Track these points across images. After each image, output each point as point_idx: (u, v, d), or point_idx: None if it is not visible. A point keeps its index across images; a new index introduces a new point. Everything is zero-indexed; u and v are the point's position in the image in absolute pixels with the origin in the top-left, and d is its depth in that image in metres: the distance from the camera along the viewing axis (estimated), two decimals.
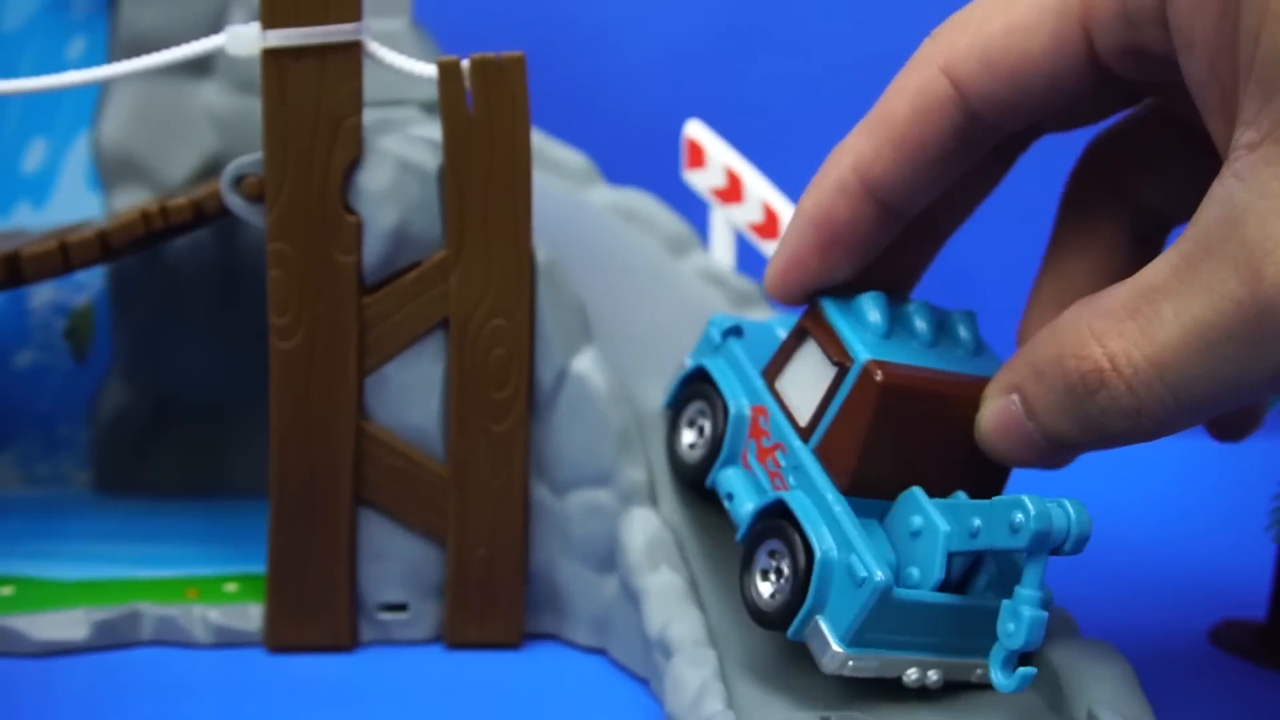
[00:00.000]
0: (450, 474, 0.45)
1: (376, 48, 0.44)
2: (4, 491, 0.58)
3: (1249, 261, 0.30)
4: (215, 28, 0.55)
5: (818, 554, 0.37)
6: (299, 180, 0.43)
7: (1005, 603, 0.36)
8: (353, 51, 0.43)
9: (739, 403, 0.41)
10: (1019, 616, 0.35)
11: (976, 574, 0.39)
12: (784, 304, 0.41)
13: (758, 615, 0.39)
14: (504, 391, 0.45)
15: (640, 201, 0.57)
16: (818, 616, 0.37)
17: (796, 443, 0.39)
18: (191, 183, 0.57)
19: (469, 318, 0.44)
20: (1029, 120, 0.38)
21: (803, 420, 0.39)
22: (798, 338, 0.40)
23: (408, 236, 0.44)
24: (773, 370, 0.41)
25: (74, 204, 0.57)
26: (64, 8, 0.56)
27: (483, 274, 0.44)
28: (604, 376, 0.45)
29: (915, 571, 0.37)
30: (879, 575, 0.36)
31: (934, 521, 0.37)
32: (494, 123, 0.43)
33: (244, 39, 0.43)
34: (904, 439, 0.38)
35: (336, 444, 0.45)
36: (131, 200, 0.57)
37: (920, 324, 0.40)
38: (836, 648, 0.37)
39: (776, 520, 0.39)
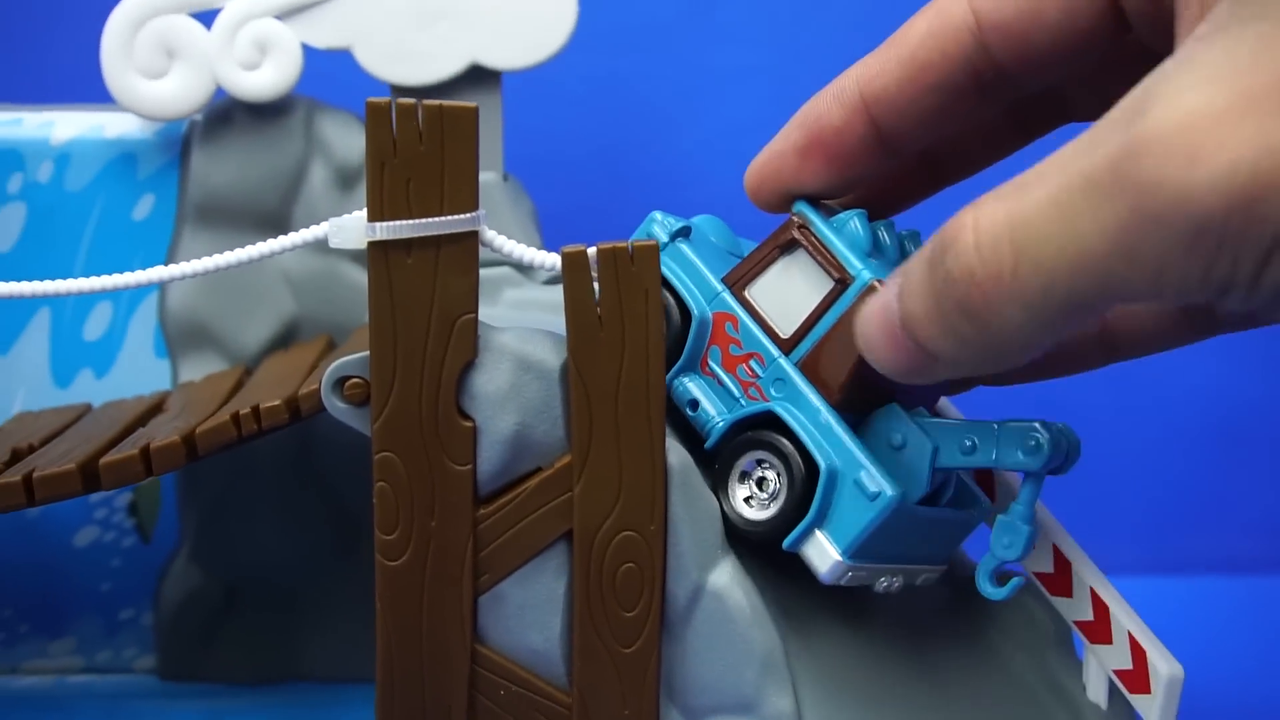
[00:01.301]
0: (574, 702, 0.41)
1: (494, 236, 0.40)
2: (63, 678, 0.55)
3: (1141, 110, 0.28)
4: (292, 186, 0.52)
5: (823, 467, 0.38)
6: (409, 383, 0.39)
7: (1001, 518, 0.39)
8: (469, 243, 0.39)
9: (700, 306, 0.41)
10: (1017, 531, 0.38)
11: (944, 490, 0.41)
12: (758, 203, 0.41)
13: (744, 528, 0.40)
14: (634, 610, 0.40)
15: None
16: (817, 529, 0.38)
17: (777, 354, 0.40)
18: (266, 350, 0.53)
19: (596, 530, 0.40)
20: (1043, 69, 0.36)
21: (784, 332, 0.40)
22: (781, 249, 0.40)
23: (528, 442, 0.40)
24: (741, 278, 0.41)
25: (139, 372, 0.54)
26: (131, 165, 0.53)
27: (611, 482, 0.40)
28: (744, 592, 0.41)
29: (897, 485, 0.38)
30: (889, 490, 0.37)
31: (921, 438, 0.39)
32: (624, 317, 0.39)
33: (349, 232, 0.39)
34: None
35: (449, 670, 0.41)
36: (201, 369, 0.53)
37: (888, 242, 0.40)
38: (839, 559, 0.38)
39: (764, 432, 0.39)
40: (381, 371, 0.39)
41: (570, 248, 0.39)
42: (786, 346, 0.40)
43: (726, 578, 0.41)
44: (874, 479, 0.38)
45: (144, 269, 0.52)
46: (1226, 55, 0.28)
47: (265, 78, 0.51)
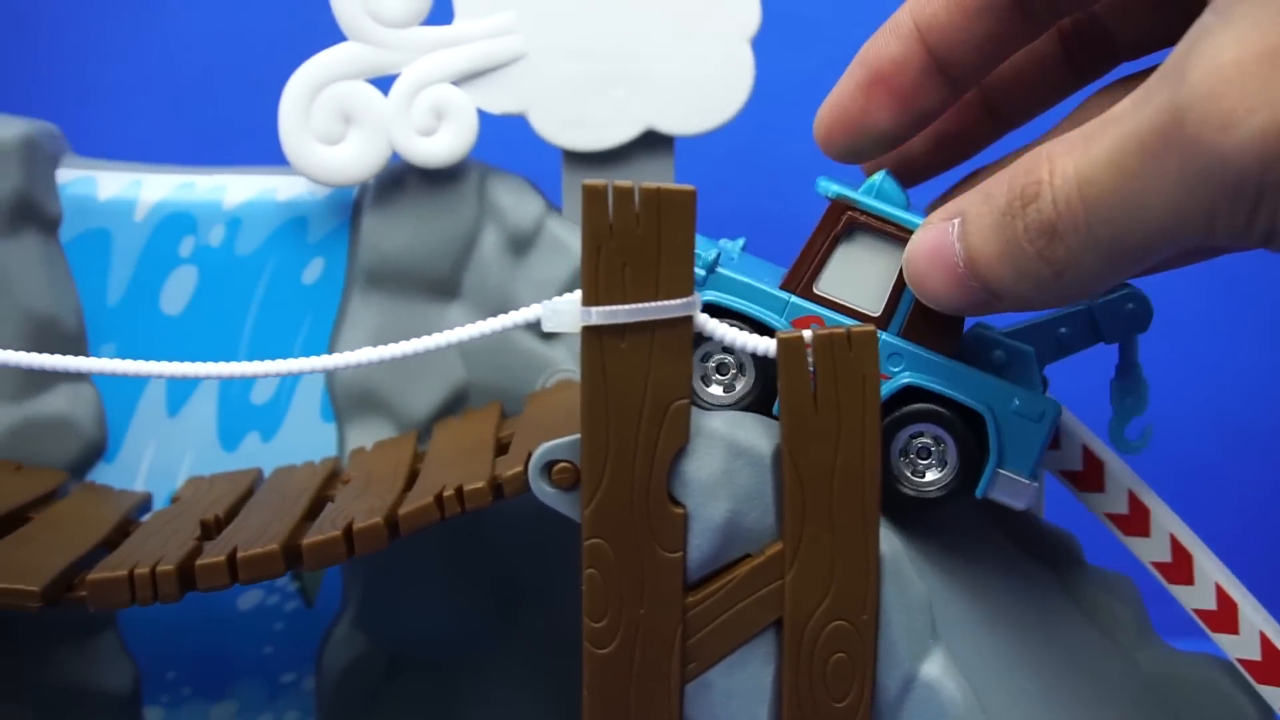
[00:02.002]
0: None
1: (705, 320, 0.39)
2: None
3: (1183, 72, 0.31)
4: (463, 251, 0.51)
5: (985, 412, 0.40)
6: (620, 469, 0.39)
7: (1117, 383, 0.44)
8: (683, 328, 0.38)
9: (777, 321, 0.41)
10: (1139, 385, 0.44)
11: None
12: (829, 151, 0.42)
13: (922, 494, 0.41)
14: (844, 701, 0.39)
15: None
16: (999, 468, 0.40)
17: (880, 335, 0.40)
18: (435, 416, 0.53)
19: (807, 619, 0.39)
20: None
21: (875, 310, 0.40)
22: (838, 237, 0.40)
23: (738, 529, 0.39)
24: (802, 278, 0.41)
25: (305, 436, 0.53)
26: (302, 229, 0.52)
27: (823, 571, 0.39)
28: (957, 684, 0.40)
29: None
30: (1051, 406, 0.40)
31: (1019, 346, 0.41)
32: (840, 403, 0.38)
33: (564, 316, 0.38)
34: None
35: None
36: (368, 434, 0.53)
37: (905, 198, 0.41)
38: (1029, 483, 0.40)
39: (908, 406, 0.40)
40: (593, 457, 0.39)
41: (786, 333, 0.39)
42: (882, 322, 0.40)
43: (939, 669, 0.40)
44: (1031, 401, 0.40)
45: (312, 332, 0.52)
46: (1258, 10, 0.30)
47: (441, 143, 0.50)
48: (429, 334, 0.51)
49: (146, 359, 0.51)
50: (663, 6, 0.49)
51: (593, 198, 0.37)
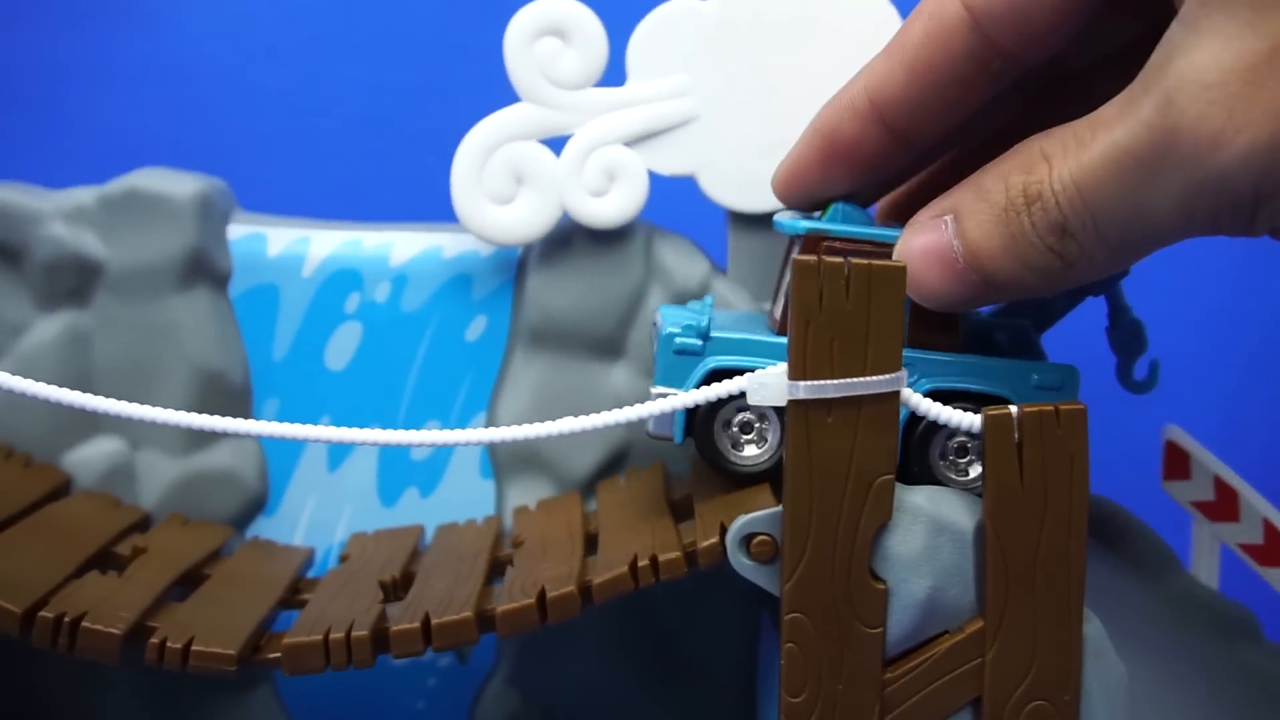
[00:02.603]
0: None
1: (910, 394, 0.39)
2: None
3: (1167, 91, 0.32)
4: (629, 311, 0.51)
5: (1012, 397, 0.40)
6: (823, 544, 0.38)
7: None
8: (890, 403, 0.38)
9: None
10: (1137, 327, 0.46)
11: None
12: (785, 204, 0.43)
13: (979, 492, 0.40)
14: None
15: (1106, 508, 0.52)
16: None
17: None
18: (595, 475, 0.52)
19: (1007, 698, 0.39)
20: (1043, 44, 0.38)
21: None
22: None
23: (939, 605, 0.39)
24: None
25: (464, 492, 0.53)
26: (466, 286, 0.53)
27: (1025, 650, 0.39)
28: None
29: None
30: (1071, 374, 0.41)
31: (1017, 322, 0.44)
32: (1048, 482, 0.38)
33: (770, 390, 0.38)
34: None
35: None
36: (527, 491, 0.53)
37: (869, 218, 0.42)
38: None
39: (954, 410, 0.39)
40: (796, 531, 0.38)
41: (993, 409, 0.38)
42: None
43: None
44: (1049, 372, 0.41)
45: (473, 390, 0.53)
46: (1227, 21, 0.32)
47: (612, 205, 0.50)
48: (591, 394, 0.52)
49: (310, 414, 0.52)
50: (832, 70, 0.49)
51: (803, 273, 0.37)
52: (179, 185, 0.51)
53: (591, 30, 0.50)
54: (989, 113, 0.42)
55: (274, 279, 0.53)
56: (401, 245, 0.53)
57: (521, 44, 0.50)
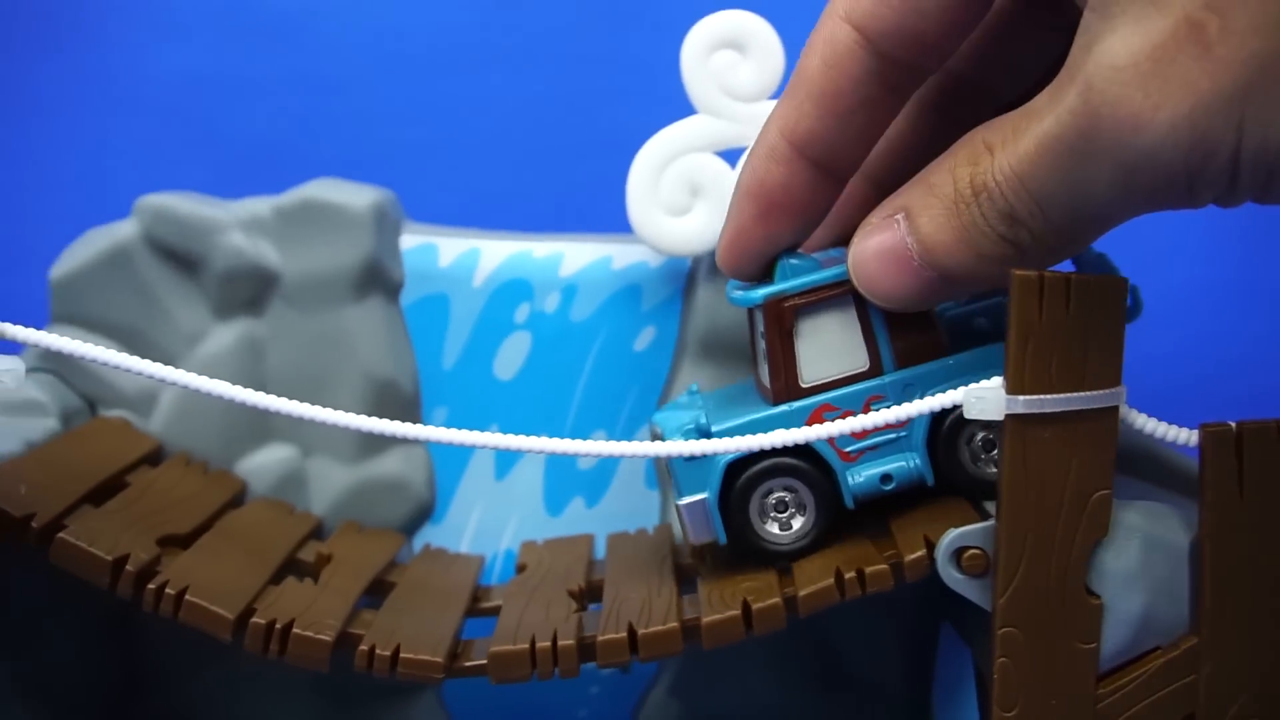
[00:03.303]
0: None
1: (1128, 410, 0.39)
2: None
3: (1086, 77, 0.33)
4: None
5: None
6: (1038, 559, 0.38)
7: None
8: (1109, 419, 0.38)
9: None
10: None
11: None
12: (739, 278, 0.42)
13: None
14: None
15: None
16: None
17: (881, 379, 0.41)
18: None
19: (1222, 714, 0.39)
20: (937, 51, 0.38)
21: (863, 365, 0.41)
22: (789, 331, 0.41)
23: (1153, 621, 0.39)
24: (786, 385, 0.41)
25: (629, 502, 0.54)
26: (636, 297, 0.53)
27: (1240, 667, 0.38)
28: None
29: None
30: None
31: (987, 303, 0.44)
32: (1266, 498, 0.38)
33: (987, 403, 0.38)
34: None
35: None
36: None
37: (815, 261, 0.41)
38: None
39: (951, 418, 0.40)
40: (1011, 546, 0.38)
41: (1213, 425, 0.38)
42: (875, 369, 0.41)
43: None
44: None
45: (640, 400, 0.53)
46: (1135, 4, 0.32)
47: None
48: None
49: (478, 423, 0.52)
50: None
51: (1023, 287, 0.37)
52: (355, 195, 0.52)
53: (768, 42, 0.50)
54: (926, 149, 0.42)
55: (445, 289, 0.53)
56: (572, 256, 0.53)
57: (698, 57, 0.50)
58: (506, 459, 0.53)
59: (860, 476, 0.42)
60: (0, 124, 0.67)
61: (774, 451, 0.41)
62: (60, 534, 0.40)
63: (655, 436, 0.44)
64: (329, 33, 0.67)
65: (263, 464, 0.52)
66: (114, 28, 0.67)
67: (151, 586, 0.40)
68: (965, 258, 0.37)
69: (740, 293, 0.42)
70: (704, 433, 0.41)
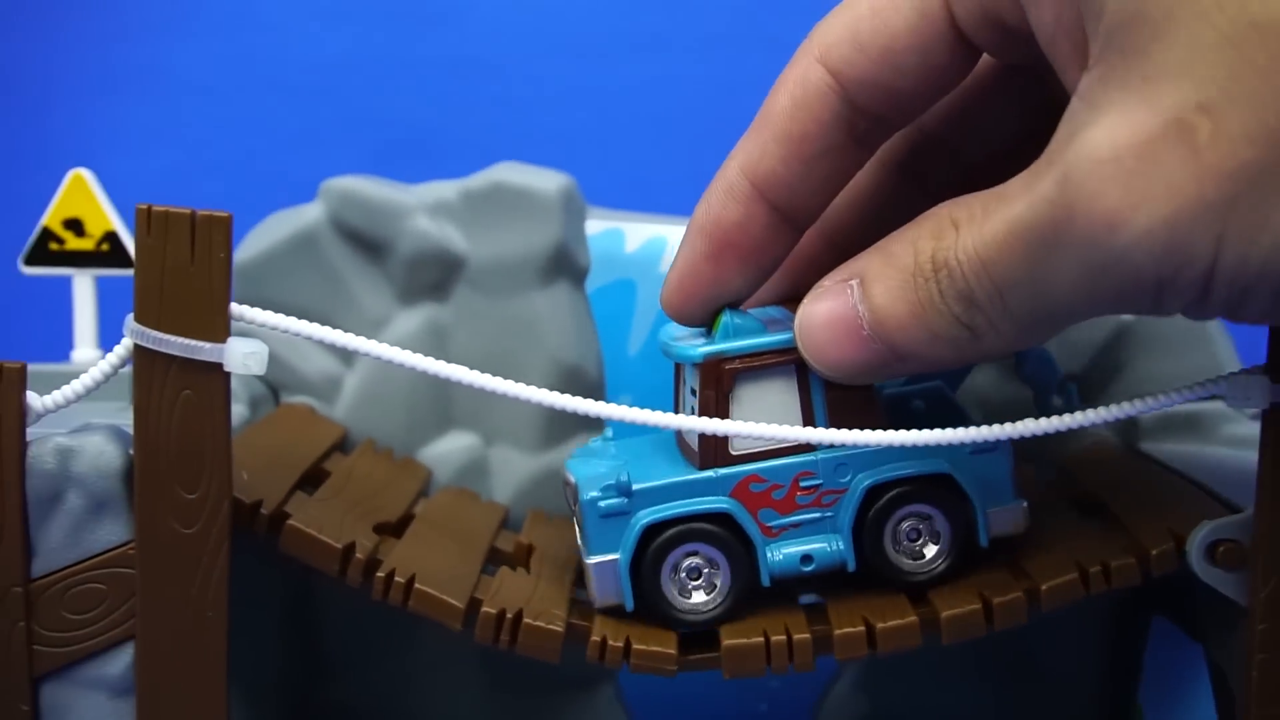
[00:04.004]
0: None
1: None
2: None
3: (1065, 167, 0.31)
4: None
5: (951, 470, 0.40)
6: None
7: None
8: None
9: (718, 504, 0.40)
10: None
11: None
12: (683, 322, 0.40)
13: (937, 573, 0.40)
14: None
15: None
16: (986, 509, 0.40)
17: (813, 455, 0.40)
18: None
19: None
20: (909, 107, 0.37)
21: (796, 439, 0.39)
22: (724, 397, 0.39)
23: None
24: (714, 450, 0.40)
25: None
26: None
27: None
28: None
29: None
30: (1000, 433, 0.38)
31: (930, 384, 0.43)
32: None
33: (1249, 390, 0.37)
34: None
35: None
36: None
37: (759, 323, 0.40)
38: (1018, 503, 0.41)
39: (880, 503, 0.40)
40: (1274, 538, 0.37)
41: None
42: (809, 447, 0.40)
43: None
44: (978, 435, 0.38)
45: None
46: (1125, 97, 0.30)
47: None
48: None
49: (662, 409, 0.51)
50: None
51: None
52: (543, 180, 0.51)
53: None
54: (888, 218, 0.40)
55: (631, 275, 0.52)
56: None
57: None
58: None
59: (780, 554, 0.40)
60: (162, 108, 0.67)
61: (695, 517, 0.39)
62: (289, 521, 0.39)
63: (567, 484, 0.42)
64: (488, 16, 0.66)
65: (446, 452, 0.52)
66: (272, 12, 0.66)
67: (380, 575, 0.39)
68: (917, 334, 0.35)
69: (680, 345, 0.40)
70: (625, 491, 0.39)
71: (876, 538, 0.40)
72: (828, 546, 0.40)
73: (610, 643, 0.40)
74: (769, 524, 0.40)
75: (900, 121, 0.38)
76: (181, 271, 0.36)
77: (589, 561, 0.40)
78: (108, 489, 0.38)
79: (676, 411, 0.42)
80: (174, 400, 0.37)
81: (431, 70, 0.67)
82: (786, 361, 0.39)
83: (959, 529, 0.40)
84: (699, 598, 0.41)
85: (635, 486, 0.40)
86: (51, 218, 0.50)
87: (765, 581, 0.40)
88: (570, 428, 0.52)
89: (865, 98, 0.37)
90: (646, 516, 0.40)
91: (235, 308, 0.37)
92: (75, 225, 0.50)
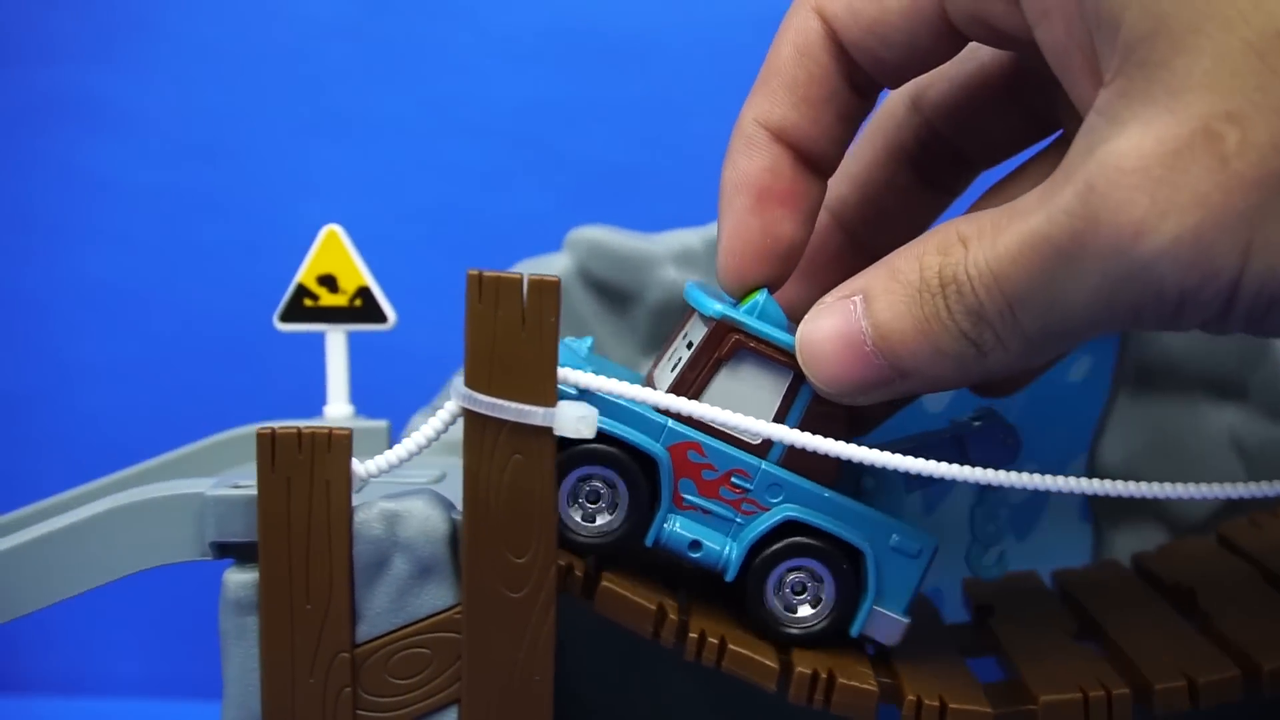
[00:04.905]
0: None
1: None
2: None
3: (1088, 178, 0.31)
4: (1258, 349, 0.49)
5: (865, 549, 0.39)
6: None
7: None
8: None
9: (652, 446, 0.38)
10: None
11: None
12: (743, 287, 0.39)
13: (801, 632, 0.40)
14: None
15: None
16: (876, 605, 0.39)
17: (758, 461, 0.39)
18: (1209, 521, 0.51)
19: None
20: (895, 76, 0.38)
21: (754, 438, 0.39)
22: (721, 360, 0.38)
23: None
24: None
25: (1060, 536, 0.52)
26: None
27: None
28: None
29: None
30: (929, 542, 0.40)
31: (894, 478, 0.42)
32: None
33: None
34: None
35: None
36: (1132, 539, 0.51)
37: (785, 319, 0.39)
38: (902, 620, 0.40)
39: (787, 540, 0.39)
40: None
41: None
42: (761, 451, 0.39)
43: None
44: (911, 537, 0.39)
45: (1072, 430, 0.51)
46: (1146, 108, 0.30)
47: None
48: (1201, 436, 0.50)
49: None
50: None
51: None
52: None
53: None
54: (899, 213, 0.41)
55: None
56: None
57: None
58: (936, 490, 0.52)
59: (676, 526, 0.39)
60: (351, 148, 0.67)
61: (626, 446, 0.38)
62: (604, 584, 0.39)
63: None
64: (672, 56, 0.66)
65: None
66: (459, 53, 0.66)
67: (693, 635, 0.39)
68: (922, 351, 0.35)
69: (703, 294, 0.40)
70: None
71: (765, 570, 0.40)
72: (720, 548, 0.39)
73: (926, 702, 0.39)
74: (684, 495, 0.39)
75: (890, 85, 0.39)
76: (512, 337, 0.36)
77: None
78: (434, 554, 0.38)
79: (663, 358, 0.42)
80: (504, 465, 0.37)
81: (613, 113, 0.66)
82: (787, 364, 0.38)
83: (840, 606, 0.40)
84: (575, 516, 0.39)
85: (590, 384, 0.38)
86: (306, 274, 0.50)
87: (648, 542, 0.39)
88: None
89: (858, 55, 0.37)
90: (604, 425, 0.38)
91: (560, 371, 0.37)
92: (329, 281, 0.50)
